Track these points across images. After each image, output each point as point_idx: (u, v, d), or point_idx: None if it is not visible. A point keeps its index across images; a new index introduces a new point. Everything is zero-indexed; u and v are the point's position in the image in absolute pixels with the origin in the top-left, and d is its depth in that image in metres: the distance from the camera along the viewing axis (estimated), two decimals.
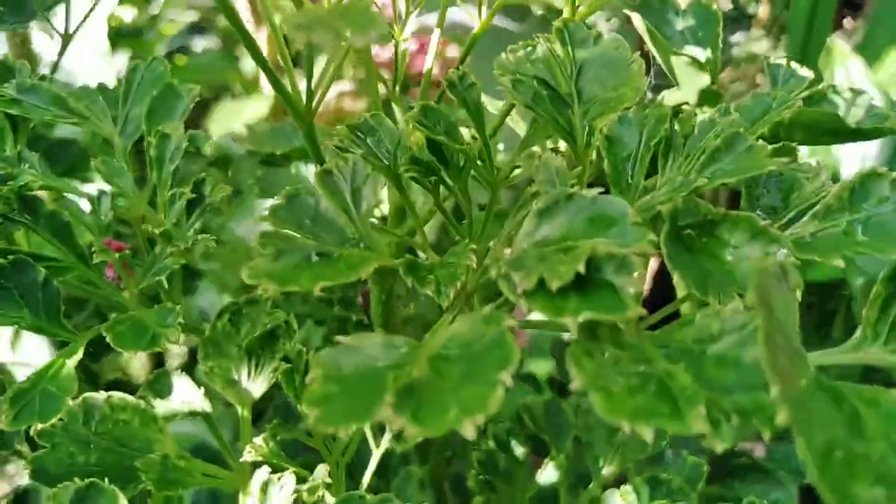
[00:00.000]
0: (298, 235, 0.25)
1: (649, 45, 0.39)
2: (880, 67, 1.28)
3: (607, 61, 0.29)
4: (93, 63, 0.81)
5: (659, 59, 0.40)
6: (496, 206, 0.31)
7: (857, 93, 0.41)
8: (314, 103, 0.30)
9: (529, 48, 0.30)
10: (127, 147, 0.38)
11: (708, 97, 0.39)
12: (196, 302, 0.72)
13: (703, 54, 0.41)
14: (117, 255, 0.34)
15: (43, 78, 0.39)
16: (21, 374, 0.50)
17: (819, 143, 0.38)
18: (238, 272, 0.85)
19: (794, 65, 0.43)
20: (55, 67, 0.60)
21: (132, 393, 0.53)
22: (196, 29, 1.79)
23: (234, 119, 1.43)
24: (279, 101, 1.37)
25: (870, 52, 1.30)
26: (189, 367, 0.72)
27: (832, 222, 0.26)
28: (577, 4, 0.32)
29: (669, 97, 0.43)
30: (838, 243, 0.25)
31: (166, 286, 0.35)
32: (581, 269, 0.21)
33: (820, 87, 0.41)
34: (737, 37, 1.63)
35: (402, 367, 0.21)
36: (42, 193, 0.37)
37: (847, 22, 1.62)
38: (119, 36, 0.71)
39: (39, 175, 0.35)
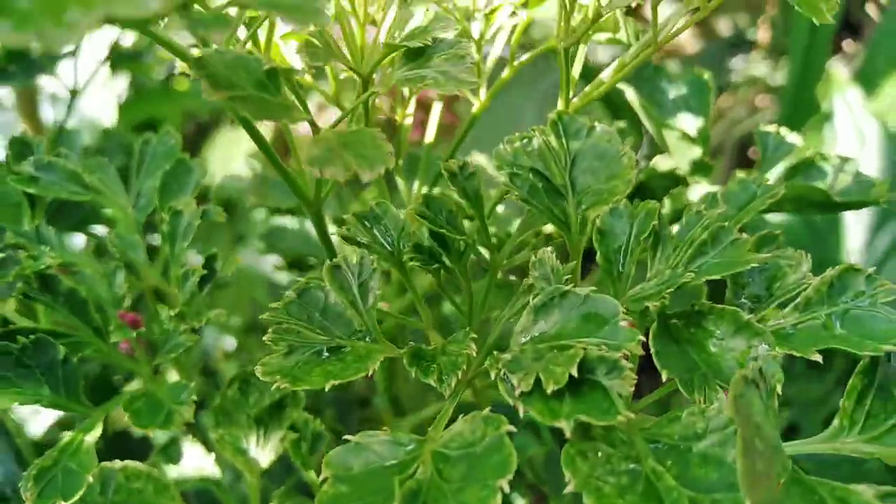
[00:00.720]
0: (309, 331, 0.27)
1: (642, 117, 0.41)
2: (878, 95, 1.30)
3: (599, 153, 0.31)
4: (92, 90, 0.83)
5: (651, 131, 0.42)
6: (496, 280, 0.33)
7: (844, 160, 0.43)
8: (323, 193, 0.32)
9: (526, 140, 0.32)
10: (140, 220, 0.40)
11: (699, 168, 0.41)
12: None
13: (694, 122, 0.43)
14: (133, 332, 0.36)
15: (57, 145, 0.41)
16: None
17: (807, 213, 0.40)
18: (243, 308, 0.86)
19: (783, 131, 0.45)
20: (65, 121, 0.62)
21: (140, 443, 0.55)
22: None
23: (235, 147, 1.46)
24: (280, 131, 1.39)
25: (869, 79, 1.33)
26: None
27: (812, 314, 0.28)
28: (570, 96, 0.34)
29: (662, 163, 0.45)
30: (817, 336, 0.27)
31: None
32: (574, 372, 0.23)
33: (808, 154, 0.43)
34: (736, 61, 1.66)
35: (407, 467, 0.23)
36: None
37: (846, 44, 1.64)
38: (118, 59, 0.73)
39: (59, 253, 0.37)
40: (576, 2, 0.31)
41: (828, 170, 0.43)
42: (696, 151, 0.41)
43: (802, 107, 1.40)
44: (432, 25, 0.27)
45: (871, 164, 1.19)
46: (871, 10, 1.60)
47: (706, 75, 0.44)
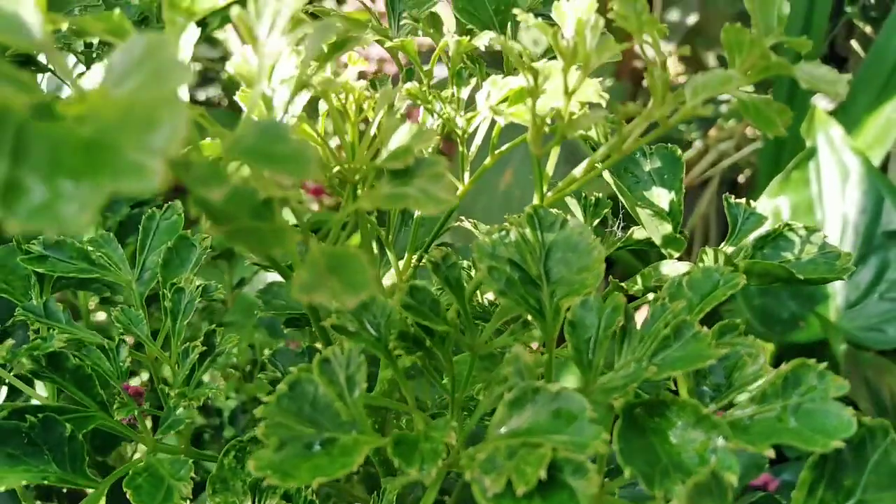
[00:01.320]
0: (299, 424, 0.29)
1: (617, 193, 0.43)
2: (861, 132, 1.32)
3: (572, 245, 0.33)
4: None
5: (626, 206, 0.44)
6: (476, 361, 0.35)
7: (811, 231, 0.45)
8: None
9: (504, 232, 0.34)
10: (143, 294, 0.42)
11: (671, 242, 0.43)
12: None
13: (667, 196, 0.45)
14: (136, 406, 0.38)
15: None
16: None
17: (772, 287, 0.42)
18: (243, 347, 0.87)
19: (752, 204, 0.47)
20: None
21: None
22: (201, 79, 1.84)
23: None
24: None
25: (852, 115, 1.35)
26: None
27: (768, 407, 0.29)
28: (544, 190, 0.35)
29: (637, 233, 0.47)
30: (772, 430, 0.29)
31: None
32: (543, 474, 0.25)
33: (776, 226, 0.45)
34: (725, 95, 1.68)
35: None
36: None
37: None
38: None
39: (66, 329, 0.39)
40: (545, 114, 0.33)
41: (795, 240, 0.45)
42: (668, 228, 0.43)
43: (788, 139, 1.43)
44: (414, 142, 0.29)
45: (853, 198, 1.21)
46: (856, 43, 1.63)
47: (678, 151, 0.46)
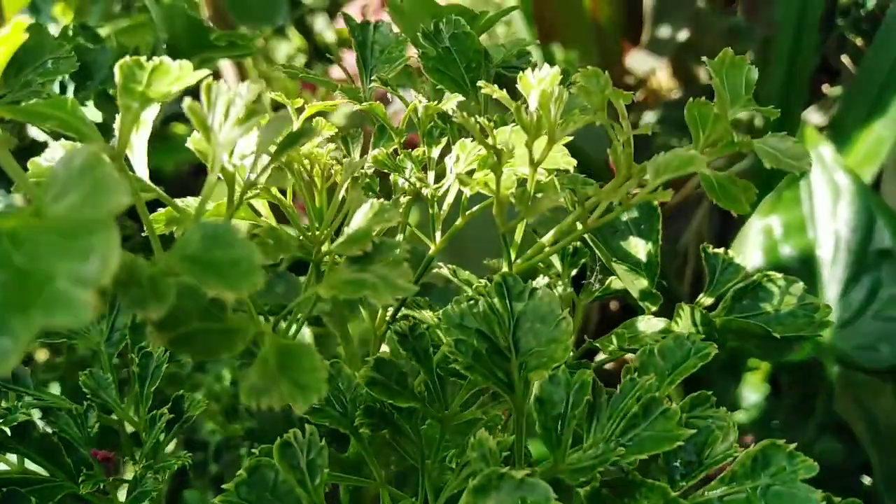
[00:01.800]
0: None
1: (592, 247, 0.43)
2: (851, 150, 1.32)
3: (541, 315, 0.33)
4: None
5: (602, 259, 0.43)
6: (446, 435, 0.35)
7: (790, 282, 0.44)
8: None
9: (472, 301, 0.33)
10: (112, 356, 0.41)
11: (647, 297, 0.43)
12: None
13: (644, 247, 0.45)
14: (105, 475, 0.37)
15: None
16: None
17: (748, 346, 0.41)
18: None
19: (730, 253, 0.46)
20: None
21: None
22: (193, 94, 1.83)
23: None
24: None
25: (843, 133, 1.35)
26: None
27: (737, 488, 0.29)
28: (512, 259, 0.35)
29: (616, 283, 0.46)
30: None
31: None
32: None
33: (755, 277, 0.45)
34: None
35: None
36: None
37: (825, 87, 1.67)
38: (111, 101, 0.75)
39: (32, 398, 0.38)
40: (510, 185, 0.32)
41: (774, 291, 0.44)
42: (644, 282, 0.42)
43: None
44: (376, 222, 0.29)
45: (845, 217, 1.21)
46: (846, 58, 1.63)
47: (656, 202, 0.45)
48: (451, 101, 0.38)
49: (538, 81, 0.33)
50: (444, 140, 0.40)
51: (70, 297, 0.18)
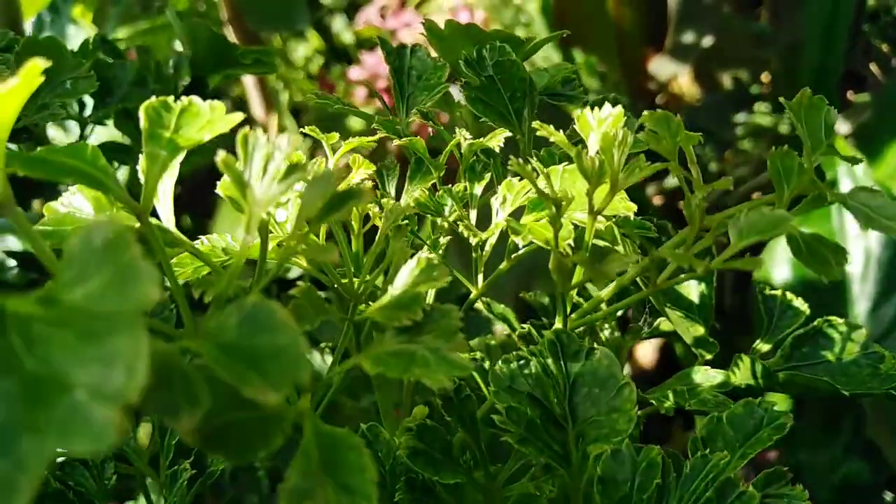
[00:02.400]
0: None
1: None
2: (882, 162, 1.28)
3: (600, 380, 0.30)
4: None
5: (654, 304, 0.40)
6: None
7: (852, 327, 0.41)
8: None
9: (523, 361, 0.30)
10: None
11: (702, 344, 0.39)
12: None
13: (696, 288, 0.42)
14: None
15: None
16: None
17: (814, 397, 0.38)
18: None
19: (788, 295, 0.43)
20: None
21: None
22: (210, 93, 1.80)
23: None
24: None
25: (872, 146, 1.31)
26: None
27: None
28: (567, 311, 0.32)
29: (664, 325, 0.43)
30: None
31: None
32: None
33: (815, 323, 0.41)
34: (739, 116, 1.64)
35: None
36: None
37: (850, 95, 1.62)
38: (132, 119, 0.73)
39: None
40: (568, 236, 0.29)
41: (835, 337, 0.41)
42: (699, 329, 0.39)
43: None
44: (424, 283, 0.26)
45: (875, 232, 1.17)
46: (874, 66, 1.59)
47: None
48: (496, 138, 0.35)
49: (598, 122, 0.30)
50: (487, 176, 0.37)
51: (90, 415, 0.15)
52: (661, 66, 1.63)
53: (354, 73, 1.81)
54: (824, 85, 1.47)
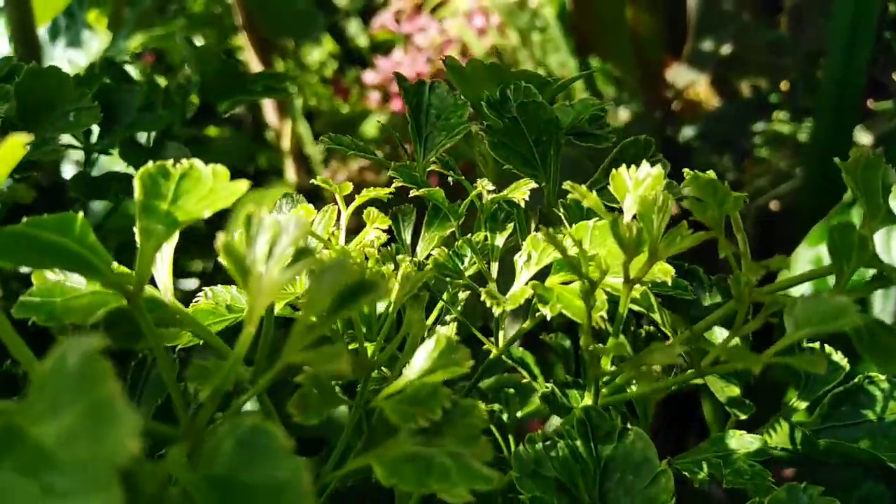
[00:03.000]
0: None
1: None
2: None
3: (634, 465, 0.27)
4: None
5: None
6: None
7: (894, 384, 0.38)
8: None
9: (549, 442, 0.28)
10: None
11: (737, 404, 0.37)
12: None
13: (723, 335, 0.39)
14: None
15: None
16: None
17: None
18: None
19: (827, 348, 0.40)
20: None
21: None
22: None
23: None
24: (303, 191, 1.36)
25: None
26: None
27: None
28: (599, 385, 0.29)
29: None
30: None
31: None
32: None
33: (856, 380, 0.38)
34: (758, 126, 1.60)
35: None
36: None
37: (870, 103, 1.58)
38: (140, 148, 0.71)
39: None
40: (601, 307, 0.26)
41: (877, 395, 0.38)
42: (735, 390, 0.37)
43: (830, 174, 1.35)
44: (441, 364, 0.23)
45: None
46: None
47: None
48: (520, 190, 0.32)
49: (635, 184, 0.27)
50: (509, 226, 0.34)
51: None
52: (680, 74, 1.59)
53: (369, 77, 1.78)
54: (846, 93, 1.42)
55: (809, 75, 1.55)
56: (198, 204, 0.23)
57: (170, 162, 0.24)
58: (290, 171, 1.56)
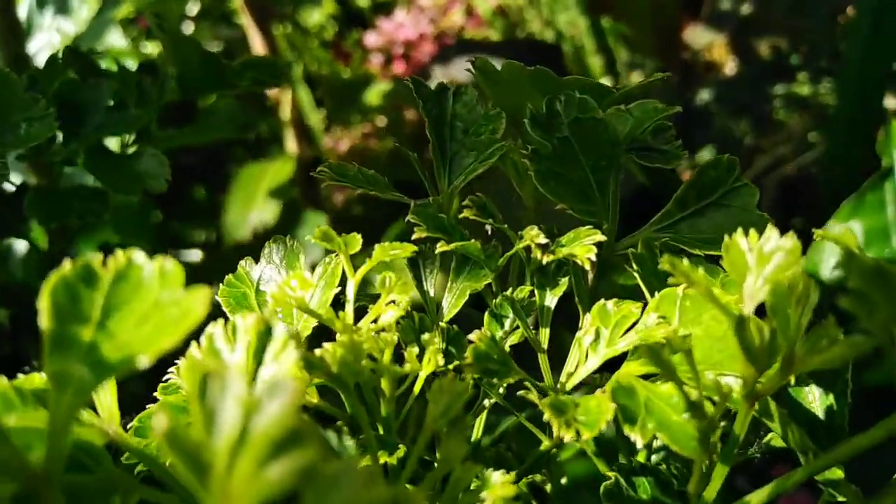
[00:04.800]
0: None
1: None
2: None
3: None
4: None
5: None
6: None
7: None
8: None
9: None
10: None
11: (840, 487, 0.29)
12: None
13: (823, 400, 0.31)
14: None
15: None
16: None
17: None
18: None
19: None
20: None
21: None
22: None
23: (257, 184, 1.35)
24: (302, 163, 1.28)
25: None
26: None
27: None
28: None
29: (776, 440, 0.33)
30: None
31: None
32: None
33: None
34: (779, 88, 1.50)
35: None
36: None
37: None
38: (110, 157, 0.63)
39: None
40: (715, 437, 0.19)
41: None
42: (838, 473, 0.29)
43: (855, 144, 1.26)
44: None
45: None
46: None
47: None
48: (584, 244, 0.24)
49: (760, 260, 0.19)
50: (563, 282, 0.26)
51: None
52: (697, 35, 1.49)
53: (371, 39, 1.68)
54: (873, 58, 1.32)
55: (834, 38, 1.44)
56: (137, 330, 0.15)
57: (96, 259, 0.16)
58: (291, 142, 1.47)
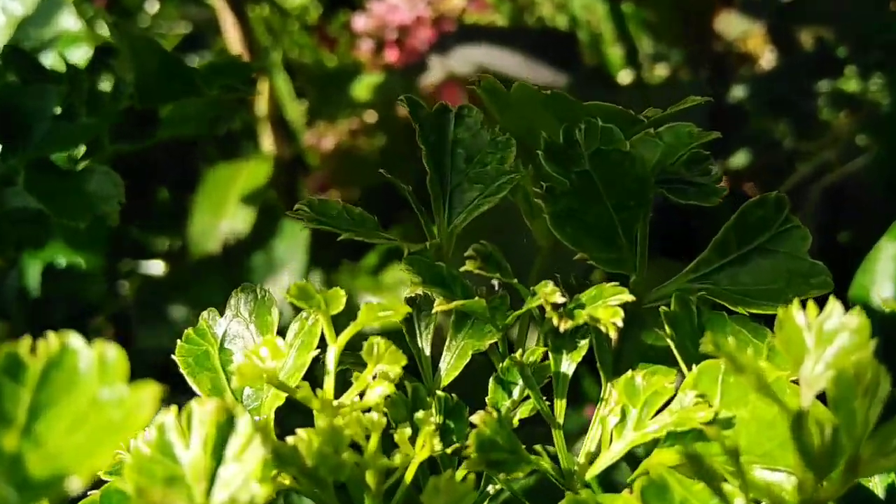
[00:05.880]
0: None
1: None
2: None
3: None
4: None
5: None
6: None
7: None
8: None
9: None
10: None
11: None
12: None
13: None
14: None
15: None
16: None
17: None
18: None
19: None
20: None
21: None
22: (189, 43, 1.67)
23: (228, 188, 1.34)
24: (280, 164, 1.26)
25: None
26: None
27: None
28: None
29: None
30: None
31: None
32: None
33: None
34: (823, 84, 1.50)
35: None
36: None
37: None
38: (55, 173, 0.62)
39: None
40: None
41: None
42: None
43: None
44: None
45: None
46: None
47: None
48: (610, 306, 0.23)
49: (819, 340, 0.18)
50: (583, 344, 0.25)
51: None
52: (731, 23, 1.48)
53: (360, 22, 1.67)
54: None
55: (884, 26, 1.44)
56: (69, 437, 0.14)
57: (23, 345, 0.15)
58: (267, 138, 1.45)
